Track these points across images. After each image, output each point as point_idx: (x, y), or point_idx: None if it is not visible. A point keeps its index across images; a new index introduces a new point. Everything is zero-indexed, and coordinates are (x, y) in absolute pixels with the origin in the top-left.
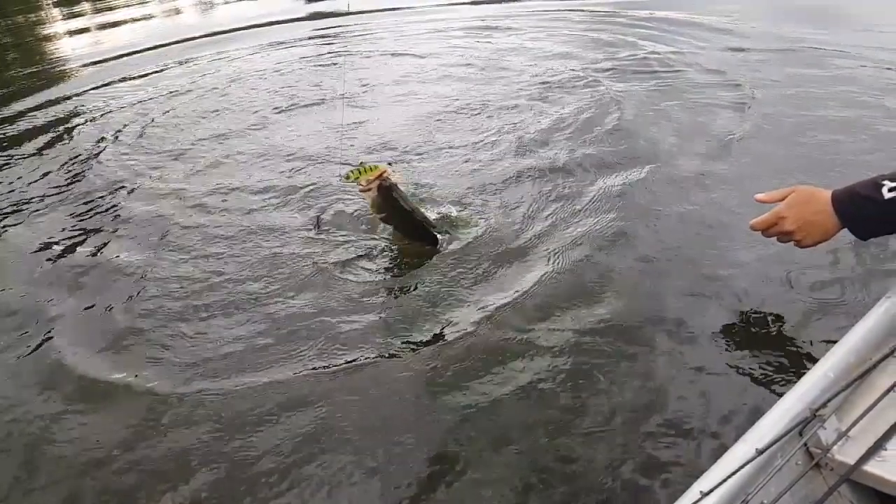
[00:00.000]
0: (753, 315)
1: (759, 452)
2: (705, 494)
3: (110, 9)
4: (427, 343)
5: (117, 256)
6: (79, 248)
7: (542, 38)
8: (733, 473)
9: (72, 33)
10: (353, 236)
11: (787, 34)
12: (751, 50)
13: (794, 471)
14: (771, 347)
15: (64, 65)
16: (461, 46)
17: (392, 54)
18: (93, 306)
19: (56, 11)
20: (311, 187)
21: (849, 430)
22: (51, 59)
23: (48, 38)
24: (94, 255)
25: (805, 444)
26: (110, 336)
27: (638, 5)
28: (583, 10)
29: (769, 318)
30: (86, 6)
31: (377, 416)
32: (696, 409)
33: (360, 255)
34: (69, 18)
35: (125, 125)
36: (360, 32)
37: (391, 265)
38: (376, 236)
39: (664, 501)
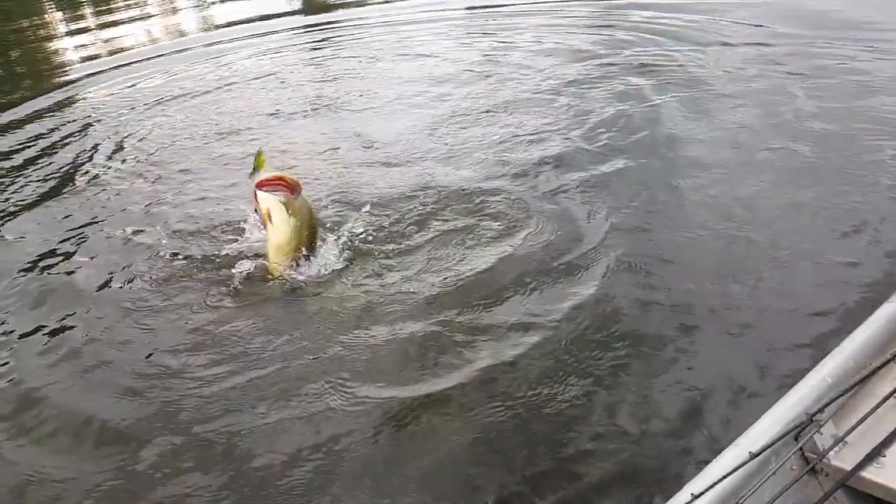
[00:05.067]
0: (750, 318)
1: (753, 456)
2: (696, 497)
3: (109, 11)
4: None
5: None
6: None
7: (546, 33)
8: (726, 476)
9: (72, 34)
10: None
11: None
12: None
13: (789, 475)
14: (767, 351)
15: (59, 70)
16: (461, 44)
17: (392, 56)
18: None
19: (59, 14)
20: None
21: (846, 435)
22: (50, 64)
23: (49, 39)
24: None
25: (801, 449)
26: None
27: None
28: (581, 2)
29: (766, 322)
30: (86, 10)
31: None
32: (689, 411)
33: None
34: (70, 21)
35: (102, 140)
36: (355, 31)
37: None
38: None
39: (655, 502)
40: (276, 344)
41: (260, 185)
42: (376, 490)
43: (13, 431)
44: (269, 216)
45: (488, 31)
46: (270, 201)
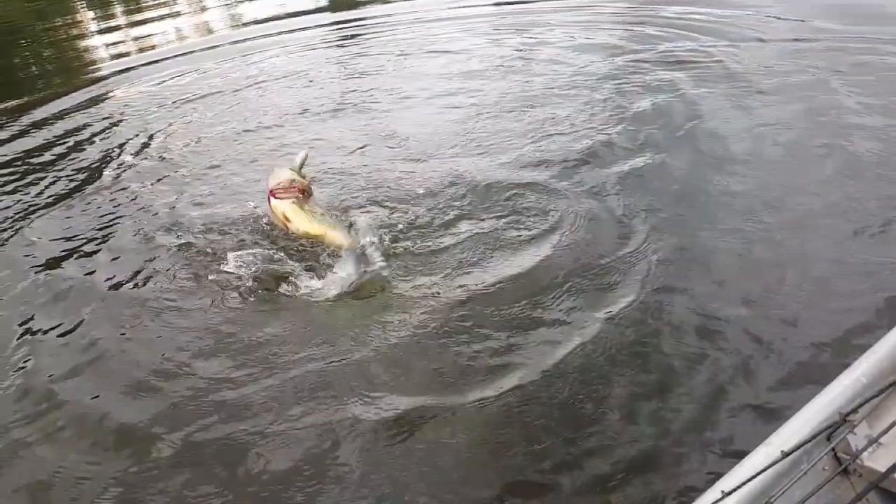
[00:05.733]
0: (784, 318)
1: (785, 455)
2: (727, 494)
3: (139, 9)
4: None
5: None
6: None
7: (575, 32)
8: (757, 475)
9: (103, 32)
10: None
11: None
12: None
13: (821, 475)
14: (801, 349)
15: (90, 67)
16: (491, 40)
17: (420, 53)
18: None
19: (90, 13)
20: None
21: (880, 436)
22: (81, 61)
23: (80, 37)
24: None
25: (833, 449)
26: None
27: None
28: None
29: (800, 320)
30: (117, 8)
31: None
32: (721, 409)
33: None
34: (101, 20)
35: (131, 137)
36: (383, 29)
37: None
38: None
39: (685, 499)
40: (300, 346)
41: (272, 194)
42: (395, 488)
43: (38, 428)
44: (286, 218)
45: (517, 27)
46: (283, 206)
